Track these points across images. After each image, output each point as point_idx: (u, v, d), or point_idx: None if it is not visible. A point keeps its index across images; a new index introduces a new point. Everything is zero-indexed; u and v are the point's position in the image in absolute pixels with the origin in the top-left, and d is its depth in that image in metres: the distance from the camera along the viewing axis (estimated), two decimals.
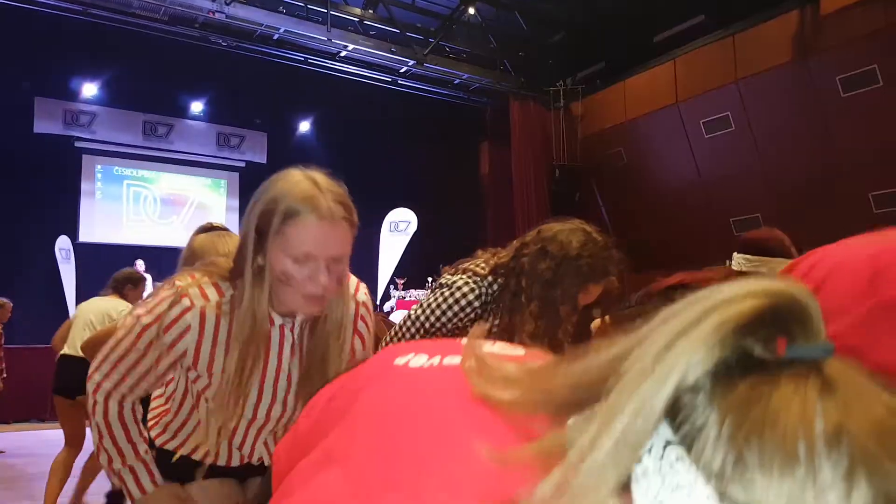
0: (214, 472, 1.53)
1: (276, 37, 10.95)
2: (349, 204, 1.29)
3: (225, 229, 1.96)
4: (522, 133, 12.93)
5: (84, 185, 12.11)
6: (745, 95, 10.16)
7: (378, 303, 12.26)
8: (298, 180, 1.24)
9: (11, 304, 7.00)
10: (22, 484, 4.86)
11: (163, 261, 9.51)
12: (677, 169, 11.06)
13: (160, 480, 1.37)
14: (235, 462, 1.51)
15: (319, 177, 1.28)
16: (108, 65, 11.26)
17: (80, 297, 10.74)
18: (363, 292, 1.50)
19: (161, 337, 1.27)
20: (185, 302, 1.27)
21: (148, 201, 12.57)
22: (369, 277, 12.59)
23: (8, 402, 6.91)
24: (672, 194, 11.03)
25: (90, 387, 1.33)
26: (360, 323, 1.46)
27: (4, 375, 6.80)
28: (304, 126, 13.75)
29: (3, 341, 6.85)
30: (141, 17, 10.08)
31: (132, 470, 1.34)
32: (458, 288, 1.88)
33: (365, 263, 12.32)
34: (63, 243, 10.84)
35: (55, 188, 11.33)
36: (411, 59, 11.56)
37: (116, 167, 12.48)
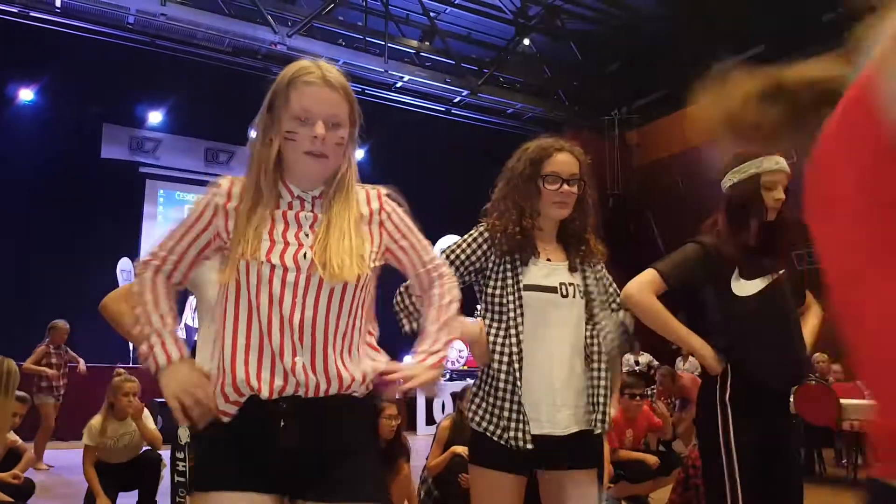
0: (296, 408, 1.37)
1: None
2: (345, 82, 1.44)
3: None
4: None
5: (147, 209, 12.50)
6: None
7: None
8: (302, 61, 1.45)
9: (68, 326, 7.19)
10: (79, 500, 4.95)
11: None
12: None
13: (186, 354, 1.42)
14: (321, 387, 1.37)
15: (322, 62, 1.45)
16: (172, 93, 11.66)
17: None
18: (384, 195, 1.55)
19: (200, 213, 1.45)
20: (217, 182, 1.50)
21: None
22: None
23: (65, 420, 7.08)
24: None
25: (138, 266, 1.48)
26: (381, 214, 1.51)
27: (63, 392, 6.98)
28: (360, 154, 13.92)
29: (66, 361, 7.05)
30: (205, 49, 10.44)
31: (160, 336, 1.40)
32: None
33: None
34: (125, 265, 11.17)
35: (119, 212, 11.72)
36: (465, 89, 11.65)
37: (178, 192, 12.86)
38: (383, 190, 1.56)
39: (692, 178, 11.39)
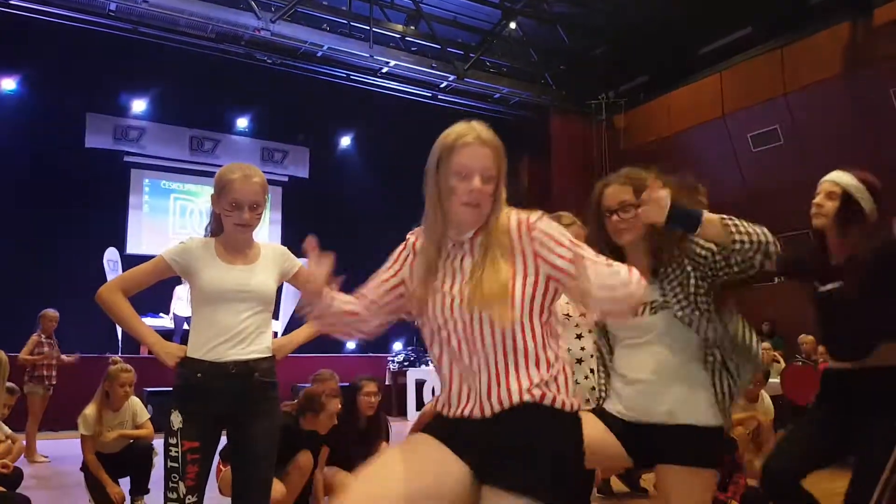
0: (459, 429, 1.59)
1: (319, 54, 11.10)
2: (497, 139, 1.65)
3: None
4: (563, 147, 12.85)
5: (132, 199, 12.41)
6: (793, 108, 9.93)
7: None
8: (457, 125, 1.65)
9: (58, 315, 7.15)
10: (75, 490, 4.95)
11: None
12: (723, 183, 10.82)
13: None
14: (485, 410, 1.58)
15: (474, 122, 1.66)
16: (156, 81, 11.55)
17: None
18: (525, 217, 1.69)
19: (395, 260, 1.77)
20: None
21: (193, 214, 12.82)
22: None
23: (56, 410, 7.06)
24: (717, 209, 10.79)
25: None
26: (533, 233, 1.63)
27: (54, 382, 6.95)
28: (346, 141, 13.88)
29: (56, 351, 7.01)
30: (189, 35, 10.33)
31: None
32: None
33: None
34: (111, 255, 11.10)
35: (104, 201, 11.62)
36: (452, 74, 11.61)
37: (164, 181, 12.77)
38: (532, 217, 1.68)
39: (679, 162, 11.41)
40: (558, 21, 12.19)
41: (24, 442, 5.93)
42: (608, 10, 11.50)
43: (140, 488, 4.36)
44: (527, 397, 1.55)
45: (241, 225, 2.38)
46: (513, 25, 12.10)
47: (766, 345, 8.14)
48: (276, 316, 12.77)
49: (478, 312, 1.56)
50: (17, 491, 4.27)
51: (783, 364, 7.59)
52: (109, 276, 10.92)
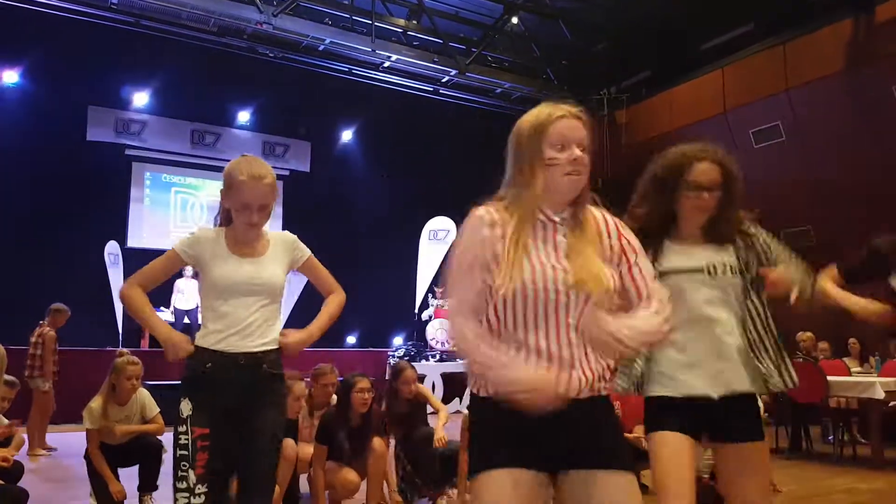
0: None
1: (321, 48, 11.08)
2: (583, 112, 1.71)
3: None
4: None
5: (133, 192, 12.41)
6: (795, 105, 9.91)
7: (417, 311, 12.27)
8: (548, 105, 1.71)
9: (69, 311, 7.16)
10: (76, 483, 4.97)
11: None
12: None
13: None
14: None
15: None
16: (158, 74, 11.55)
17: None
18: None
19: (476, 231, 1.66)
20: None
21: (195, 208, 12.82)
22: (408, 286, 12.60)
23: (57, 403, 7.06)
24: None
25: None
26: (623, 236, 1.72)
27: (56, 378, 6.96)
28: (347, 135, 13.88)
29: (56, 346, 7.02)
30: (191, 28, 10.31)
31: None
32: None
33: (404, 272, 12.34)
34: (112, 248, 11.10)
35: (106, 194, 11.63)
36: (453, 69, 11.59)
37: (165, 174, 12.77)
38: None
39: None
40: (560, 16, 12.16)
41: (25, 435, 5.93)
42: (610, 5, 11.47)
43: (148, 485, 4.33)
44: (599, 385, 1.61)
45: (251, 224, 2.41)
46: (515, 20, 12.07)
47: None
48: None
49: (580, 288, 1.57)
50: (18, 484, 4.27)
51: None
52: (110, 270, 10.94)
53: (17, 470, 4.44)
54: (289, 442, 3.90)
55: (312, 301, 2.82)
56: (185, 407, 2.32)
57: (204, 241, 2.44)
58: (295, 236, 2.61)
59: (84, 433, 4.25)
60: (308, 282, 2.65)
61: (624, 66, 12.78)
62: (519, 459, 1.56)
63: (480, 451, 1.61)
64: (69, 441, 6.69)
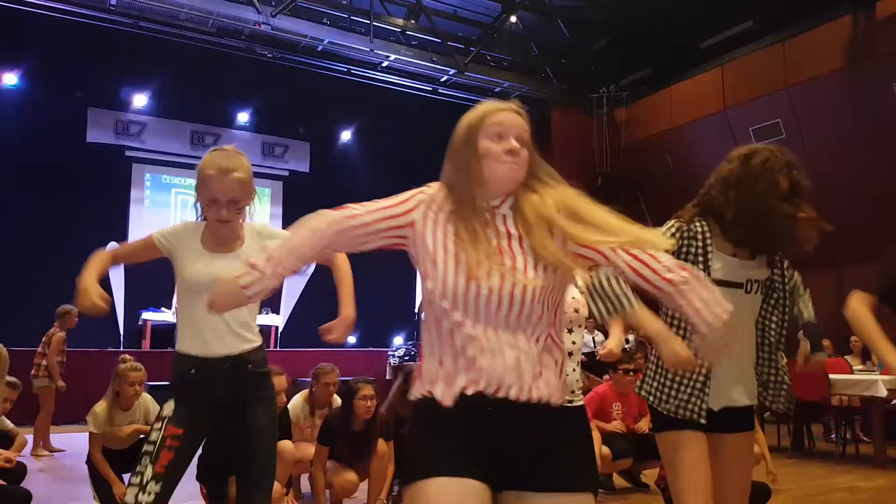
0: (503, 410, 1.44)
1: (319, 48, 11.07)
2: (523, 109, 1.65)
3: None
4: (563, 141, 12.82)
5: (133, 193, 12.41)
6: (795, 102, 9.90)
7: (417, 311, 12.26)
8: (489, 101, 1.66)
9: (77, 311, 7.16)
10: (80, 484, 4.97)
11: None
12: None
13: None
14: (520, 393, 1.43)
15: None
16: (157, 76, 11.54)
17: (129, 303, 10.99)
18: None
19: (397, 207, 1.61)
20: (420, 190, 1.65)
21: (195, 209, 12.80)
22: (408, 286, 12.61)
23: (60, 404, 7.06)
24: None
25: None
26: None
27: (62, 383, 6.97)
28: (346, 135, 13.87)
29: (66, 347, 7.04)
30: (189, 30, 10.31)
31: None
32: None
33: (404, 272, 12.34)
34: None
35: (106, 196, 11.62)
36: (452, 69, 11.58)
37: (165, 175, 12.77)
38: None
39: (681, 156, 11.40)
40: (559, 14, 12.15)
41: (31, 436, 5.93)
42: (609, 3, 11.45)
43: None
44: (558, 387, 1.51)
45: (220, 221, 2.32)
46: (513, 19, 12.07)
47: None
48: (276, 310, 12.76)
49: (546, 270, 1.47)
50: (20, 485, 4.27)
51: (784, 359, 7.57)
52: (111, 271, 10.89)
53: (20, 471, 4.45)
54: (286, 444, 3.89)
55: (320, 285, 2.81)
56: (168, 407, 2.29)
57: (182, 234, 2.40)
58: (264, 223, 2.54)
59: (87, 434, 4.25)
60: (309, 280, 2.64)
61: (623, 64, 12.77)
62: (466, 469, 1.41)
63: (421, 457, 1.46)
64: (71, 442, 6.70)
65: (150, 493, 2.15)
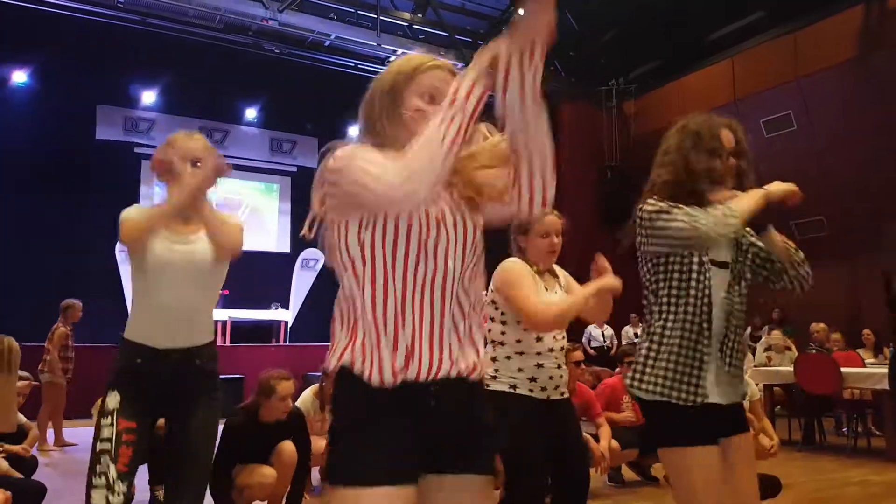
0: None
1: (327, 43, 11.07)
2: (456, 69, 1.48)
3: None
4: (572, 133, 12.77)
5: (143, 190, 12.43)
6: (806, 94, 9.82)
7: None
8: (417, 53, 1.50)
9: (81, 304, 7.22)
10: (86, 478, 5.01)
11: None
12: None
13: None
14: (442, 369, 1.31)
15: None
16: (165, 73, 11.57)
17: None
18: None
19: None
20: None
21: None
22: None
23: (69, 398, 7.11)
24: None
25: None
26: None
27: (69, 376, 7.02)
28: (354, 131, 13.84)
29: (72, 342, 7.09)
30: (197, 26, 10.32)
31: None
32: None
33: None
34: (123, 246, 11.13)
35: (116, 192, 11.63)
36: (460, 63, 11.55)
37: None
38: None
39: None
40: (568, 7, 12.09)
41: (37, 430, 5.97)
42: None
43: (159, 478, 4.37)
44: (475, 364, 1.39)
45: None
46: (521, 12, 12.02)
47: (777, 333, 8.09)
48: (286, 306, 12.76)
49: (465, 209, 1.36)
50: (32, 478, 4.31)
51: (795, 352, 7.54)
52: (121, 267, 10.98)
53: (32, 464, 4.49)
54: (288, 446, 3.90)
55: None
56: (113, 400, 2.15)
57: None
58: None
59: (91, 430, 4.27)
60: (319, 275, 2.62)
61: (632, 56, 12.70)
62: (402, 473, 1.28)
63: (353, 452, 1.30)
64: (82, 436, 6.74)
65: (118, 494, 2.05)
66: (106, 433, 2.09)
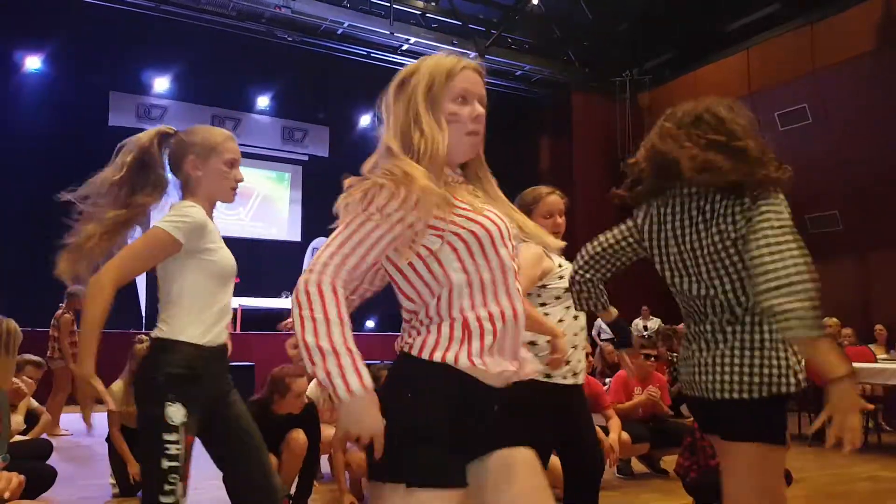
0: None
1: (339, 31, 11.04)
2: (483, 68, 1.51)
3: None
4: (585, 126, 12.70)
5: None
6: (822, 87, 9.71)
7: None
8: (443, 55, 1.49)
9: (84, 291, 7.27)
10: (96, 462, 5.05)
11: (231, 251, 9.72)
12: None
13: (369, 384, 1.23)
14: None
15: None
16: (178, 60, 11.58)
17: (150, 286, 11.10)
18: None
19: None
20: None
21: None
22: None
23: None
24: None
25: (301, 282, 1.30)
26: None
27: (74, 365, 7.07)
28: (366, 120, 13.84)
29: (77, 327, 7.14)
30: (210, 13, 10.32)
31: (340, 365, 1.21)
32: None
33: None
34: (134, 233, 11.20)
35: None
36: (472, 51, 11.49)
37: None
38: None
39: None
40: None
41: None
42: None
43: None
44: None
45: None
46: (535, 1, 11.93)
47: None
48: None
49: (518, 242, 1.47)
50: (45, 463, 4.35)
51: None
52: None
53: (46, 448, 4.54)
54: (298, 434, 3.93)
55: None
56: (178, 413, 2.05)
57: (204, 221, 2.34)
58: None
59: (105, 414, 4.31)
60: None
61: (647, 47, 12.59)
62: (463, 475, 1.31)
63: (426, 453, 1.25)
64: (93, 422, 6.79)
65: None
66: (173, 451, 2.02)
